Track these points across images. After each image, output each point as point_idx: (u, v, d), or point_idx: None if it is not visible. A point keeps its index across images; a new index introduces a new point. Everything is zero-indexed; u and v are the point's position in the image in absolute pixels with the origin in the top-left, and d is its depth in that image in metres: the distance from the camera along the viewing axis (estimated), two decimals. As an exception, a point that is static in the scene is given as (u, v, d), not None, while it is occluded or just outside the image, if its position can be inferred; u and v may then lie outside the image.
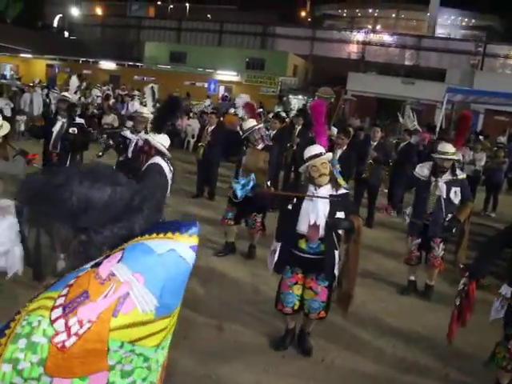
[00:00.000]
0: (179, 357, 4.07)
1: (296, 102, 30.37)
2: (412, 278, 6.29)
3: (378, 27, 48.14)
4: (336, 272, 4.35)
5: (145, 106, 6.61)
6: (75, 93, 8.19)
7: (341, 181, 4.38)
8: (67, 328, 1.41)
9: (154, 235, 1.63)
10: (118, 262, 1.55)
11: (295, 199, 4.29)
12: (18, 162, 5.11)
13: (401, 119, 11.73)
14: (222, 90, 30.88)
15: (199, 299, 5.36)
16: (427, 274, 6.22)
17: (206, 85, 30.75)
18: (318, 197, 4.19)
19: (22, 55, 35.11)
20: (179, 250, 1.60)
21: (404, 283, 6.35)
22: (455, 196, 5.81)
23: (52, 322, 1.39)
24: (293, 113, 18.00)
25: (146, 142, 4.83)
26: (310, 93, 28.48)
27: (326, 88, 10.36)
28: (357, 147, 9.60)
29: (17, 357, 1.35)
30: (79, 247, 1.74)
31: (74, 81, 8.07)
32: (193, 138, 16.54)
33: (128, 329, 1.45)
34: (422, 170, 6.01)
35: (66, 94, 7.73)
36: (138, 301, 1.50)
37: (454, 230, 5.93)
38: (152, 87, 6.86)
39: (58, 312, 1.40)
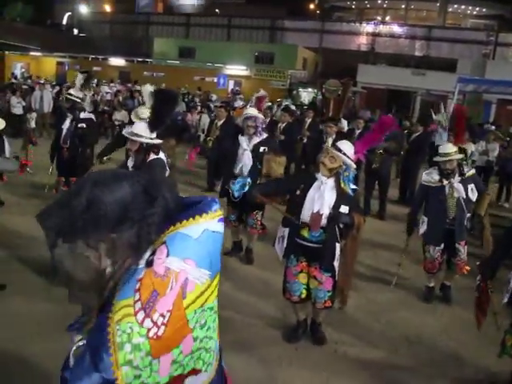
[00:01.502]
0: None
1: (306, 95, 30.29)
2: (432, 284, 5.99)
3: (388, 18, 47.80)
4: (335, 264, 4.31)
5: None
6: (86, 89, 8.19)
7: (345, 187, 4.29)
8: (154, 323, 1.68)
9: (185, 222, 1.81)
10: (167, 256, 1.75)
11: (302, 186, 4.28)
12: (12, 160, 5.16)
13: (434, 116, 11.54)
14: (231, 85, 30.83)
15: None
16: (445, 276, 6.02)
17: (215, 79, 30.73)
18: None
19: (32, 53, 35.27)
20: (211, 227, 1.80)
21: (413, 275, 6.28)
22: (472, 193, 5.61)
23: (140, 323, 1.66)
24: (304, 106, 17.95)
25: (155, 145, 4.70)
26: (320, 85, 28.41)
27: (334, 80, 10.32)
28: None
29: (129, 359, 1.65)
30: (131, 247, 1.77)
31: (80, 77, 8.09)
32: (203, 132, 16.49)
33: (196, 300, 1.75)
34: (431, 177, 5.76)
35: (71, 91, 7.82)
36: (197, 279, 1.75)
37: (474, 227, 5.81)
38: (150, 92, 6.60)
39: (141, 314, 1.66)
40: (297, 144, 10.24)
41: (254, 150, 6.17)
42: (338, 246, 4.30)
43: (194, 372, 1.84)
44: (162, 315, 1.70)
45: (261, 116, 6.43)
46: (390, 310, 5.47)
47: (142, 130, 4.58)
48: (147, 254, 1.79)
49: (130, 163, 4.64)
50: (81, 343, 1.85)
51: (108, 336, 1.72)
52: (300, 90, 30.59)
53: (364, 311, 5.02)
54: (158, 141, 4.60)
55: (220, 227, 1.80)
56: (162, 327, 1.70)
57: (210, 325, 1.86)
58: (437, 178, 5.71)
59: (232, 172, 6.27)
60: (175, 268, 1.74)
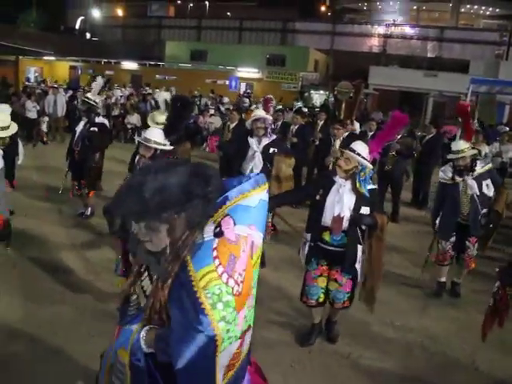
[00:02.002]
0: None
1: (318, 97, 30.24)
2: (443, 279, 6.05)
3: (400, 20, 47.61)
4: (357, 267, 4.29)
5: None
6: (99, 94, 8.21)
7: (361, 188, 4.27)
8: (236, 281, 1.99)
9: (241, 195, 2.17)
10: (235, 225, 2.10)
11: (321, 191, 4.28)
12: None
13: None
14: (243, 87, 30.87)
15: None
16: (456, 272, 6.08)
17: (227, 82, 30.81)
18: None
19: (45, 58, 35.55)
20: (263, 197, 2.20)
21: (425, 279, 6.24)
22: (488, 189, 5.63)
23: (226, 283, 1.96)
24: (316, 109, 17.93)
25: (173, 151, 4.69)
26: (331, 87, 28.34)
27: (345, 82, 10.31)
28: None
29: (223, 315, 1.94)
30: (190, 223, 2.07)
31: (100, 82, 8.06)
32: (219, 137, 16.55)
33: (257, 260, 2.11)
34: (446, 174, 5.81)
35: (88, 95, 7.84)
36: (258, 241, 2.12)
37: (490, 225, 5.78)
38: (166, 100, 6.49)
39: (225, 276, 1.96)
40: (309, 147, 10.20)
41: (264, 151, 6.20)
42: (360, 248, 4.29)
43: (250, 328, 2.20)
44: (240, 274, 2.03)
45: (269, 117, 6.48)
46: (403, 313, 5.43)
47: (158, 137, 4.59)
48: (211, 228, 2.11)
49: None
50: (147, 327, 2.16)
51: (199, 300, 1.99)
52: (312, 92, 30.55)
53: (376, 315, 4.98)
54: (171, 147, 4.60)
55: (267, 197, 2.25)
56: (241, 284, 2.02)
57: (255, 284, 2.18)
58: (450, 175, 5.75)
59: (242, 173, 6.25)
60: (243, 233, 2.10)
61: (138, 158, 4.82)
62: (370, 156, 4.29)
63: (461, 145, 5.68)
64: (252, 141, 6.26)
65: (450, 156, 5.78)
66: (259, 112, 6.50)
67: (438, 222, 5.94)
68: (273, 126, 6.56)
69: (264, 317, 4.98)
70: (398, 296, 5.86)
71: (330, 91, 28.81)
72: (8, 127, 5.30)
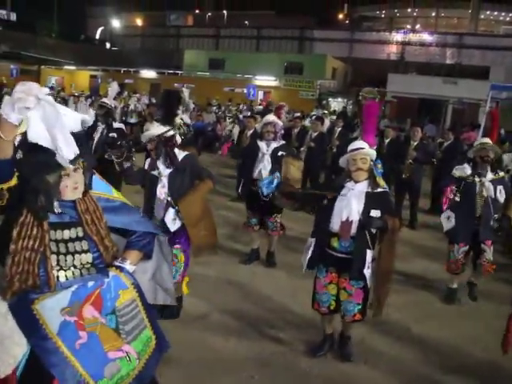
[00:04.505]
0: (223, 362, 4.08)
1: (336, 104, 30.23)
2: (455, 285, 6.01)
3: (418, 27, 47.44)
4: (366, 273, 4.15)
5: None
6: (115, 99, 8.26)
7: (380, 181, 4.27)
8: None
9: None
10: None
11: (329, 197, 4.23)
12: None
13: None
14: (260, 95, 30.98)
15: (233, 309, 5.40)
16: (472, 274, 6.05)
17: (244, 90, 30.93)
18: (343, 195, 4.12)
19: (66, 67, 36.09)
20: None
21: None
22: (500, 194, 5.62)
23: None
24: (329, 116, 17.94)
25: (173, 136, 4.70)
26: (349, 95, 28.31)
27: (370, 88, 10.26)
28: (396, 148, 9.51)
29: None
30: None
31: (114, 87, 8.11)
32: (233, 142, 16.63)
33: None
34: (464, 171, 5.79)
35: (105, 100, 7.85)
36: None
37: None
38: (182, 91, 6.70)
39: None
40: (327, 153, 10.22)
41: (273, 154, 6.30)
42: (369, 253, 4.16)
43: None
44: None
45: (280, 122, 6.56)
46: (420, 320, 5.38)
47: (153, 128, 4.64)
48: None
49: (162, 165, 4.58)
50: (119, 260, 2.63)
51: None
52: (330, 99, 30.54)
53: (394, 321, 4.96)
54: (171, 132, 4.55)
55: None
56: None
57: None
58: (468, 172, 5.73)
59: (251, 174, 6.40)
60: None
61: (148, 161, 4.81)
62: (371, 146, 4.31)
63: (486, 139, 5.78)
64: (261, 143, 6.39)
65: (474, 150, 5.80)
66: (270, 116, 6.59)
67: (450, 222, 5.87)
68: (282, 132, 6.65)
69: (277, 328, 4.97)
70: (416, 303, 5.82)
71: (348, 99, 28.78)
72: None
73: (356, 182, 4.18)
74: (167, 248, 2.99)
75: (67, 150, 2.20)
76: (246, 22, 50.49)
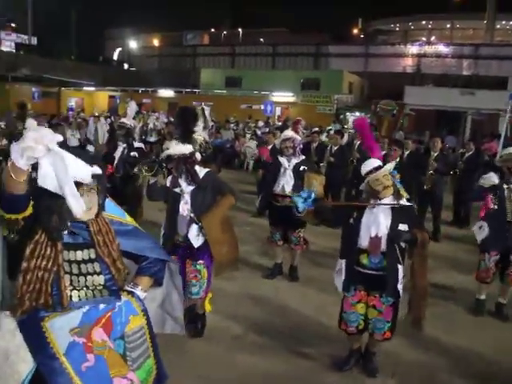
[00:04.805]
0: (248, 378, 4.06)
1: (353, 118, 30.15)
2: (483, 296, 5.92)
3: (433, 38, 47.37)
4: (399, 288, 4.12)
5: None
6: (134, 118, 8.34)
7: (403, 192, 4.25)
8: None
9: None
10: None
11: (355, 213, 4.18)
12: None
13: None
14: (278, 111, 31.07)
15: (257, 324, 5.40)
16: (500, 292, 5.91)
17: (262, 107, 31.05)
18: (380, 204, 4.08)
19: (85, 89, 36.65)
20: None
21: (472, 298, 6.08)
22: None
23: None
24: (349, 130, 17.92)
25: (193, 154, 4.74)
26: (367, 109, 28.26)
27: (388, 100, 10.28)
28: (416, 159, 9.46)
29: None
30: None
31: (133, 106, 8.19)
32: (252, 158, 16.71)
33: None
34: (492, 180, 5.76)
35: (124, 120, 7.91)
36: None
37: None
38: (202, 109, 6.69)
39: None
40: (347, 166, 10.21)
41: (295, 170, 6.36)
42: (400, 268, 4.11)
43: None
44: None
45: (298, 137, 6.59)
46: (448, 332, 5.31)
47: (172, 146, 4.66)
48: None
49: (184, 183, 4.60)
50: (131, 285, 2.65)
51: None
52: (347, 114, 30.50)
53: (420, 333, 4.86)
54: (190, 150, 4.58)
55: None
56: None
57: None
58: (496, 180, 5.72)
59: (271, 189, 6.46)
60: None
61: (169, 178, 4.82)
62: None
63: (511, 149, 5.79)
64: (282, 159, 6.45)
65: (501, 159, 5.85)
66: (288, 132, 6.63)
67: (483, 232, 5.78)
68: (301, 146, 6.68)
69: (302, 343, 4.94)
70: (444, 314, 5.74)
71: (366, 112, 28.73)
72: None
73: (382, 199, 4.14)
74: (178, 276, 2.95)
75: (76, 207, 2.21)
76: (262, 40, 50.94)
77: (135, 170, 4.81)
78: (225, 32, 56.55)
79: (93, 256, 2.43)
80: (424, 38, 47.59)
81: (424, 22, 49.88)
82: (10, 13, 45.54)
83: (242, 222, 9.31)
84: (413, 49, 43.07)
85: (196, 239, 4.54)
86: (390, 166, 4.26)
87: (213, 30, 58.08)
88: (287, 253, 6.78)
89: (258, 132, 18.13)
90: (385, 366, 4.48)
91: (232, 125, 21.56)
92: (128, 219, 2.71)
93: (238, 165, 16.62)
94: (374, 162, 4.21)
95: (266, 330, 5.13)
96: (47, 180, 2.11)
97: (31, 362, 2.26)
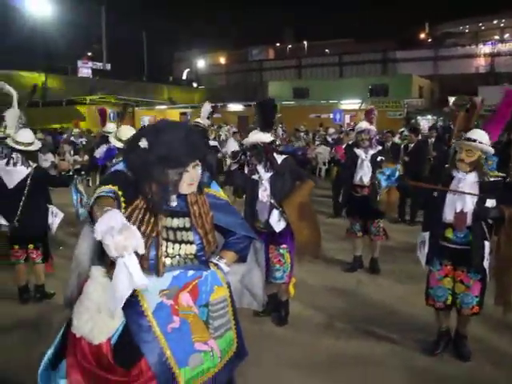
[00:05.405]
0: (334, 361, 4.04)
1: (425, 122, 29.47)
2: None
3: (507, 36, 45.61)
4: (486, 265, 3.99)
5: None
6: (208, 118, 8.51)
7: (493, 174, 4.08)
8: None
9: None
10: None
11: (440, 186, 4.10)
12: None
13: None
14: (347, 119, 30.87)
15: (340, 312, 5.37)
16: None
17: (331, 115, 30.95)
18: (462, 192, 3.96)
19: (157, 107, 37.93)
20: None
21: None
22: None
23: None
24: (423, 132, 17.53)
25: (273, 142, 4.78)
26: (438, 112, 27.57)
27: (462, 96, 9.97)
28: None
29: None
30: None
31: (207, 107, 8.33)
32: (324, 164, 16.68)
33: None
34: None
35: (198, 120, 8.07)
36: None
37: None
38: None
39: None
40: (424, 165, 9.97)
41: (372, 160, 6.31)
42: (487, 244, 3.99)
43: None
44: None
45: (373, 128, 6.47)
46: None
47: (252, 134, 4.73)
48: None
49: (262, 170, 4.68)
50: (217, 257, 2.68)
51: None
52: (418, 117, 29.85)
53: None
54: (270, 138, 4.67)
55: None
56: None
57: None
58: None
59: (351, 181, 6.43)
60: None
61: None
62: (491, 141, 4.08)
63: None
64: (359, 151, 6.42)
65: None
66: (362, 124, 6.53)
67: None
68: (377, 137, 6.59)
69: (387, 329, 4.88)
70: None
71: (437, 116, 28.03)
72: (33, 143, 5.45)
73: (463, 171, 4.04)
74: (262, 254, 2.96)
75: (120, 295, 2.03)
76: (327, 51, 50.90)
77: (219, 154, 4.95)
78: (290, 45, 56.98)
79: (188, 225, 2.48)
80: (497, 37, 45.90)
81: (495, 22, 48.15)
82: (85, 43, 48.29)
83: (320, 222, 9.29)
84: (485, 48, 41.66)
85: (277, 224, 4.59)
86: (488, 149, 4.02)
87: (278, 44, 58.69)
88: (367, 247, 6.71)
89: (329, 138, 18.06)
90: (478, 352, 4.32)
91: (302, 134, 21.64)
92: (222, 193, 2.74)
93: (311, 171, 16.60)
94: (476, 134, 4.07)
95: (350, 318, 5.09)
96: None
97: (121, 317, 2.33)
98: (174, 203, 2.44)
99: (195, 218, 2.49)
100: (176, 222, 2.46)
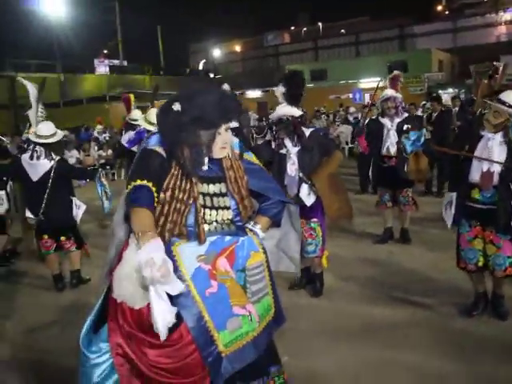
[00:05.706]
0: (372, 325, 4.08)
1: (447, 96, 29.02)
2: None
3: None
4: None
5: None
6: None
7: None
8: None
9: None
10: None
11: (467, 147, 4.05)
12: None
13: None
14: (367, 98, 30.58)
15: (374, 281, 5.39)
16: None
17: (350, 95, 30.70)
18: (487, 160, 3.89)
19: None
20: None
21: None
22: None
23: None
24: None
25: (302, 116, 4.70)
26: (460, 85, 27.13)
27: (483, 62, 9.78)
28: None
29: None
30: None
31: (226, 87, 8.36)
32: (346, 144, 16.61)
33: None
34: None
35: None
36: None
37: None
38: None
39: None
40: (448, 134, 9.86)
41: (398, 129, 6.19)
42: None
43: None
44: None
45: (399, 95, 6.34)
46: None
47: (280, 108, 4.71)
48: None
49: (290, 144, 4.68)
50: (252, 223, 2.67)
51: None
52: (440, 91, 29.40)
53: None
54: (298, 112, 4.63)
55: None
56: None
57: None
58: None
59: (379, 152, 6.35)
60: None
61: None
62: None
63: None
64: (384, 120, 6.32)
65: None
66: (388, 91, 6.37)
67: None
68: (403, 104, 6.49)
69: (422, 292, 4.90)
70: None
71: (459, 88, 27.56)
72: (54, 135, 5.50)
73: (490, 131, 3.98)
74: (297, 217, 2.95)
75: (161, 324, 2.17)
76: (343, 31, 50.30)
77: (244, 129, 4.93)
78: (305, 28, 56.45)
79: (223, 190, 2.49)
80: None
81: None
82: (100, 40, 48.63)
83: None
84: (506, 16, 40.67)
85: (308, 198, 4.59)
86: None
87: (292, 27, 58.19)
88: (396, 219, 6.70)
89: (350, 118, 17.95)
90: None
91: (323, 115, 21.57)
92: (255, 159, 2.74)
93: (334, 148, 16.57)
94: (507, 94, 3.95)
95: (384, 286, 5.10)
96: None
97: None
98: (205, 167, 2.44)
99: (231, 184, 2.49)
100: (212, 188, 2.47)
